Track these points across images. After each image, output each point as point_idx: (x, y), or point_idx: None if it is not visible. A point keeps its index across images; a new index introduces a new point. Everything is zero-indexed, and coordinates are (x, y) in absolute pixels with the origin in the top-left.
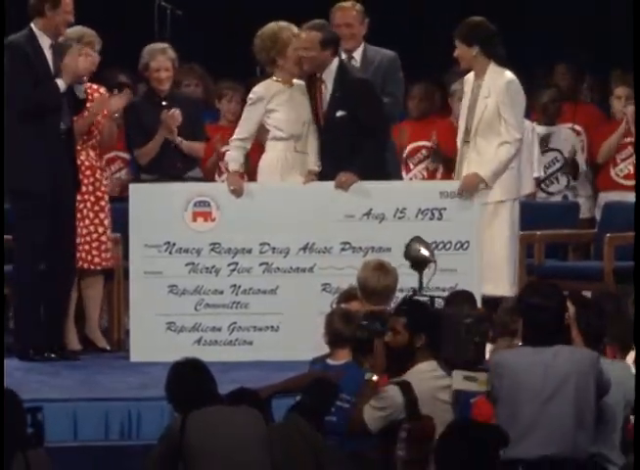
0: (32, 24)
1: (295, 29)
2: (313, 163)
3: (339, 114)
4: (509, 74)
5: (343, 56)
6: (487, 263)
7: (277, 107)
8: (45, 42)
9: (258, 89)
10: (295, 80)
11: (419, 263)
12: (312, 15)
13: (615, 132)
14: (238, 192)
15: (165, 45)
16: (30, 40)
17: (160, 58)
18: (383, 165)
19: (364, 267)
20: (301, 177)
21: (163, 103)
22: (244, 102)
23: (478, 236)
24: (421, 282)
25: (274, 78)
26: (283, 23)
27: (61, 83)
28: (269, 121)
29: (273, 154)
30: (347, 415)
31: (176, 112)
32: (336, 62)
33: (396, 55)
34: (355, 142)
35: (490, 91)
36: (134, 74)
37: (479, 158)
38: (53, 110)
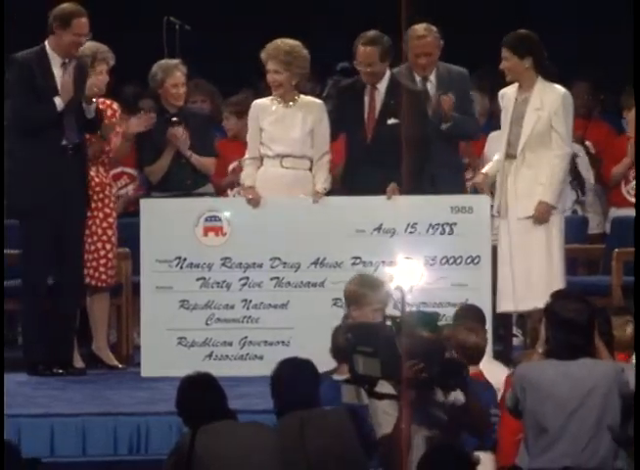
0: (46, 42)
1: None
2: (321, 182)
3: (390, 121)
4: (562, 88)
5: (418, 79)
6: (539, 276)
7: (267, 125)
8: (56, 60)
9: (253, 107)
10: (299, 98)
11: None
12: (323, 31)
13: (626, 155)
14: (255, 202)
15: (178, 61)
16: (40, 57)
17: (177, 74)
18: (418, 180)
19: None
20: (289, 193)
21: (173, 119)
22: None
23: (489, 251)
24: None
25: (272, 96)
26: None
27: (58, 102)
28: (262, 138)
29: (263, 169)
30: None
31: (179, 129)
32: (388, 70)
33: (466, 71)
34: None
35: (543, 103)
36: (144, 90)
37: (530, 172)
38: (49, 127)
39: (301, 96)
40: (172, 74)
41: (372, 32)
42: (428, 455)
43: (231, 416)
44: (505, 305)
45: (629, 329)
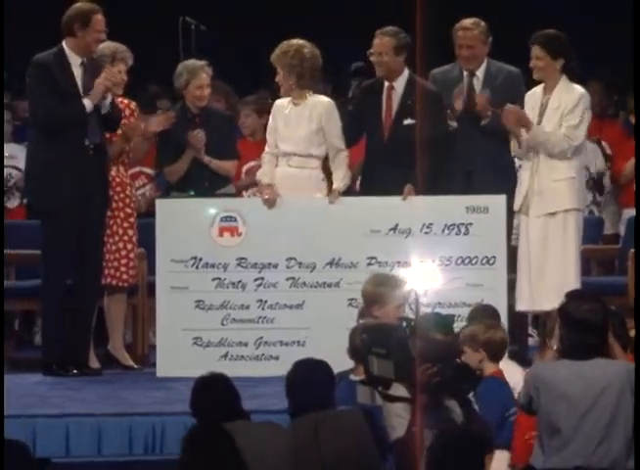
0: (63, 43)
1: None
2: (339, 180)
3: (406, 122)
4: (581, 89)
5: (465, 74)
6: (554, 277)
7: (279, 125)
8: (75, 61)
9: (273, 106)
10: (309, 97)
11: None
12: (335, 32)
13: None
14: (271, 201)
15: (204, 62)
16: (59, 58)
17: (202, 75)
18: (435, 180)
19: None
20: (296, 192)
21: (196, 119)
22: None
23: (505, 250)
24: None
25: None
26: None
27: (88, 103)
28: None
29: (277, 168)
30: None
31: (200, 132)
32: (407, 70)
33: (520, 71)
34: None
35: (560, 102)
36: (161, 90)
37: (547, 170)
38: (79, 128)
39: (312, 95)
40: (198, 76)
41: (390, 27)
42: (439, 438)
43: (244, 416)
44: (521, 305)
45: None
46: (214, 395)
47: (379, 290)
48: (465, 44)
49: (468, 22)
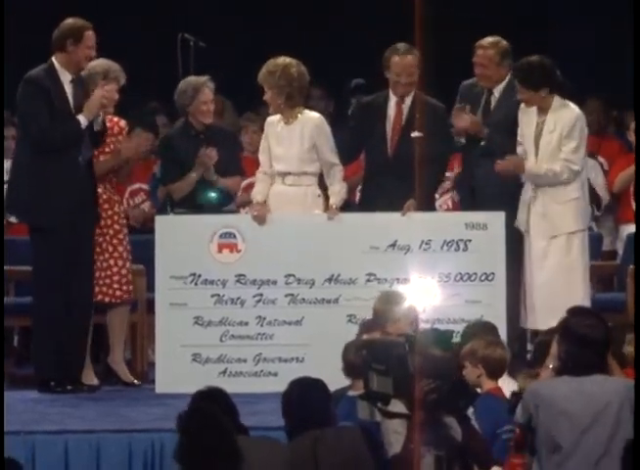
0: (53, 59)
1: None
2: (335, 195)
3: (414, 134)
4: (575, 109)
5: (485, 91)
6: (559, 297)
7: (272, 144)
8: (66, 77)
9: (265, 124)
10: (301, 115)
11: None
12: (336, 48)
13: (632, 164)
14: (261, 218)
15: (206, 78)
16: (50, 75)
17: (206, 91)
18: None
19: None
20: (293, 210)
21: (200, 136)
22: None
23: (504, 267)
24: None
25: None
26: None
27: (82, 120)
28: (271, 157)
29: (272, 187)
30: None
31: (213, 151)
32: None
33: None
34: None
35: (556, 125)
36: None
37: (547, 192)
38: (75, 145)
39: (304, 112)
40: (202, 91)
41: (402, 44)
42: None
43: (243, 431)
44: (525, 322)
45: None
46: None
47: (390, 307)
48: (478, 62)
49: (487, 40)
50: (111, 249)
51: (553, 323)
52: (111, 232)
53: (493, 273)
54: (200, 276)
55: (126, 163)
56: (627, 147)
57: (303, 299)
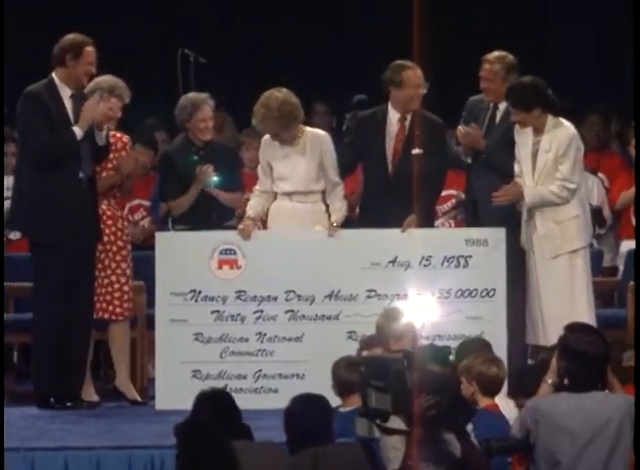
0: (53, 74)
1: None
2: (336, 212)
3: (414, 151)
4: (570, 128)
5: (491, 106)
6: (562, 315)
7: (275, 163)
8: (65, 92)
9: (262, 142)
10: (303, 134)
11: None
12: (337, 63)
13: (634, 182)
14: (246, 233)
15: (206, 95)
16: (50, 90)
17: (206, 108)
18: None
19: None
20: (302, 225)
21: (200, 152)
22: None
23: (504, 283)
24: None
25: None
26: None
27: (77, 131)
28: (272, 176)
29: (275, 204)
30: None
31: (209, 167)
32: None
33: None
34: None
35: (551, 144)
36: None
37: (554, 212)
38: (70, 157)
39: (306, 130)
40: (202, 108)
41: (401, 61)
42: None
43: (245, 430)
44: (529, 338)
45: None
46: (215, 407)
47: (393, 324)
48: (484, 76)
49: (493, 55)
50: (113, 265)
51: (555, 340)
52: (114, 248)
53: (494, 289)
54: (200, 293)
55: (128, 178)
56: (629, 162)
57: (304, 315)
